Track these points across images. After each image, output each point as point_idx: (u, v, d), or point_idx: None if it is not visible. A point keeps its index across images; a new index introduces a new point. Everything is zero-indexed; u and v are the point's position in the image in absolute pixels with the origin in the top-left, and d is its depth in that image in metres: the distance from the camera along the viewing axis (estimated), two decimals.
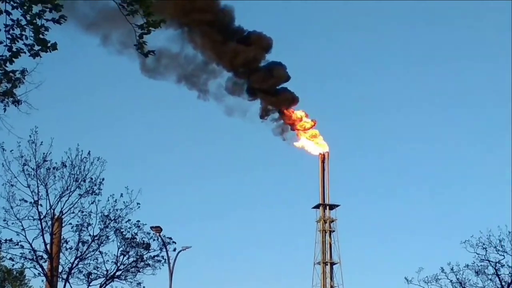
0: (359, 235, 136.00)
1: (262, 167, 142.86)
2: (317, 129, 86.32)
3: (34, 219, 25.72)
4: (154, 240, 28.36)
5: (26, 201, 25.70)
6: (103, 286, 26.64)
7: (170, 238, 30.02)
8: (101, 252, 26.74)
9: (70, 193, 26.12)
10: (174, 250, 32.81)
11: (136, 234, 27.20)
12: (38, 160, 25.82)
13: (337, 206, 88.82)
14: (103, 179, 26.52)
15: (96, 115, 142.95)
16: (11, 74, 12.46)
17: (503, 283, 30.85)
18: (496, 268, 30.99)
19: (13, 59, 12.11)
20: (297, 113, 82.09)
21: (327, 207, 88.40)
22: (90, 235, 26.52)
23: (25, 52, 11.93)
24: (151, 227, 28.74)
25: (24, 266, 27.44)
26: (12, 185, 25.71)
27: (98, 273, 26.66)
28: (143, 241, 27.47)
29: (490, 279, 31.11)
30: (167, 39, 62.89)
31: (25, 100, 12.82)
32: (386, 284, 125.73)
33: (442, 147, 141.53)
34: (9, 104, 12.75)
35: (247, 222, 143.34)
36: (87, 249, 26.42)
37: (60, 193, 26.03)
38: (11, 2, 11.76)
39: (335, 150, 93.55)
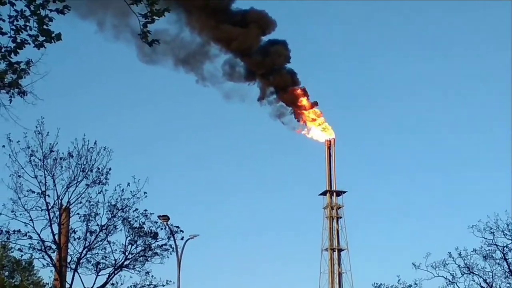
0: (366, 221, 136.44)
1: (268, 154, 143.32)
2: (323, 116, 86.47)
3: (42, 210, 25.80)
4: (161, 229, 28.41)
5: (33, 192, 25.76)
6: (112, 275, 26.71)
7: (178, 227, 30.09)
8: (109, 242, 26.82)
9: (77, 183, 26.16)
10: (182, 238, 32.86)
11: (143, 223, 27.25)
12: (45, 151, 25.85)
13: (344, 192, 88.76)
14: (110, 169, 26.56)
15: (101, 105, 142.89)
16: (16, 65, 12.44)
17: (511, 267, 30.81)
18: (504, 252, 30.96)
19: (18, 50, 12.09)
20: (298, 94, 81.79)
21: (334, 194, 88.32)
22: (98, 225, 26.59)
23: (29, 43, 11.91)
24: (159, 216, 28.77)
25: (33, 257, 27.52)
26: (19, 176, 25.77)
27: (107, 262, 26.74)
28: (151, 230, 27.51)
29: (498, 264, 31.09)
30: (164, 22, 62.65)
31: (30, 91, 12.81)
32: (394, 270, 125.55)
33: (449, 133, 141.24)
34: (14, 95, 12.75)
35: (254, 209, 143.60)
36: (95, 239, 26.48)
37: (67, 183, 26.08)
38: None
39: (341, 137, 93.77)
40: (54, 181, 25.92)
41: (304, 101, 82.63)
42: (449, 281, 31.37)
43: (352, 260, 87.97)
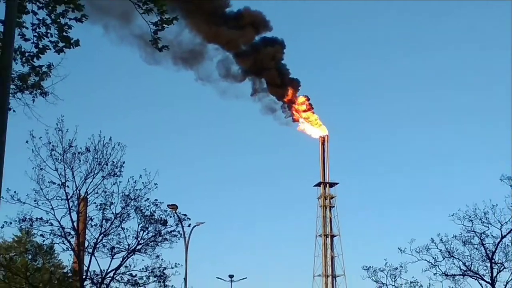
0: (356, 210, 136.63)
1: (267, 148, 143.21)
2: (317, 114, 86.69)
3: (61, 199, 25.83)
4: (170, 216, 28.45)
5: (54, 183, 25.79)
6: (125, 259, 26.76)
7: (185, 215, 30.16)
8: (123, 228, 26.85)
9: (94, 175, 26.20)
10: (189, 225, 33.05)
11: (154, 211, 27.28)
12: (64, 146, 25.88)
13: (336, 184, 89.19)
14: (123, 162, 26.58)
15: (115, 104, 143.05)
16: (38, 68, 12.49)
17: (488, 252, 30.83)
18: (481, 238, 30.94)
19: (40, 55, 12.14)
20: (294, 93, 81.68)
21: (327, 185, 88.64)
22: (112, 213, 26.62)
23: (50, 49, 11.96)
24: (168, 205, 28.86)
25: (54, 242, 27.56)
26: (41, 169, 25.79)
27: (121, 247, 26.77)
28: (161, 218, 27.55)
29: (476, 248, 31.09)
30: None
31: (51, 92, 12.86)
32: (381, 254, 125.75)
33: (432, 128, 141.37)
34: (37, 95, 12.79)
35: (254, 199, 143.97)
36: (110, 225, 26.52)
37: (85, 175, 26.11)
38: (37, 3, 11.74)
39: (334, 133, 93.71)
40: (73, 174, 25.97)
41: (300, 99, 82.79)
42: (432, 264, 31.38)
43: (344, 245, 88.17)
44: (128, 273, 26.93)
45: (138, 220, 27.07)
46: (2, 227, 26.79)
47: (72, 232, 26.19)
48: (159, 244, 27.48)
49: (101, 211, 26.61)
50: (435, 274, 31.17)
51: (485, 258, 30.82)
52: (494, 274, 30.29)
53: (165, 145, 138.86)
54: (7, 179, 12.09)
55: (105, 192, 26.49)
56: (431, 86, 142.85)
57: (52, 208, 25.76)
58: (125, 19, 53.06)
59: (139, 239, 26.94)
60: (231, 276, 56.12)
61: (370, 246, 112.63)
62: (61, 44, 11.88)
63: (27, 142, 25.53)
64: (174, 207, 29.57)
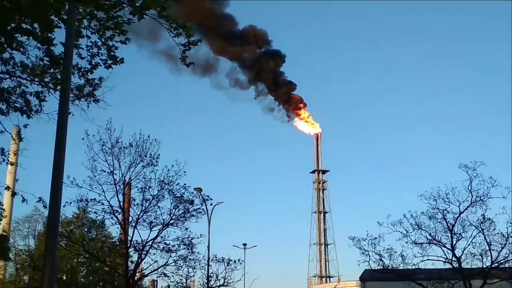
0: (344, 192, 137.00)
1: (271, 144, 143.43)
2: (311, 113, 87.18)
3: (110, 184, 25.92)
4: (196, 197, 28.47)
5: (104, 171, 25.89)
6: (161, 231, 26.86)
7: (208, 196, 30.20)
8: (158, 207, 26.91)
9: (136, 165, 26.26)
10: (211, 204, 33.16)
11: (183, 193, 27.29)
12: (112, 142, 25.95)
13: (328, 171, 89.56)
14: (159, 155, 26.62)
15: (151, 108, 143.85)
16: (91, 81, 12.55)
17: (449, 225, 30.71)
18: (444, 214, 30.81)
19: (93, 70, 12.19)
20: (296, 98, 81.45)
21: (320, 172, 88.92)
22: (150, 195, 26.67)
23: (101, 65, 11.99)
24: (194, 188, 28.89)
25: (104, 218, 27.71)
26: (94, 160, 25.89)
27: (157, 221, 26.83)
28: (189, 198, 27.57)
29: (439, 222, 30.94)
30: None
31: (102, 99, 12.90)
32: (363, 227, 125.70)
33: (404, 130, 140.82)
34: (91, 102, 12.84)
35: (262, 184, 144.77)
36: (148, 205, 26.58)
37: (129, 165, 26.18)
38: (90, 29, 11.80)
39: (326, 131, 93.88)
40: (119, 164, 26.05)
41: (297, 100, 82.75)
42: (404, 234, 31.26)
43: (333, 220, 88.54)
44: (163, 242, 27.03)
45: (171, 200, 27.14)
46: (64, 206, 26.91)
47: (119, 210, 26.32)
48: (187, 219, 27.55)
49: (142, 193, 26.70)
50: (406, 242, 31.07)
51: (447, 230, 30.67)
52: (454, 243, 30.18)
53: (192, 140, 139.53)
54: (68, 168, 12.21)
55: (145, 178, 26.58)
56: (403, 95, 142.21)
57: (103, 191, 25.91)
58: (153, 38, 53.06)
59: (171, 215, 27.01)
60: (244, 245, 56.14)
61: (355, 221, 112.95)
62: (109, 62, 11.92)
63: (83, 139, 25.69)
64: (199, 190, 29.61)
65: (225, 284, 27.59)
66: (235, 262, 29.05)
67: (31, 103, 12.15)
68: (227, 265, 28.64)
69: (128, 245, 26.07)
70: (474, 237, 29.93)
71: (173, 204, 27.09)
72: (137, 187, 26.80)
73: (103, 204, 26.05)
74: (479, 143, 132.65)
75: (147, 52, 64.37)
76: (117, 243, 30.59)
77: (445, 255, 30.09)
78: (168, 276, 26.58)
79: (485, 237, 29.62)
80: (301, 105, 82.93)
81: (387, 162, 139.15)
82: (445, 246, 30.43)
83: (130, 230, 26.45)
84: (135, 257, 26.75)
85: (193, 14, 54.30)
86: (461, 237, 30.45)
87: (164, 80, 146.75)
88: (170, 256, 26.94)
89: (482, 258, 29.15)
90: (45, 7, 9.79)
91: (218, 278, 28.50)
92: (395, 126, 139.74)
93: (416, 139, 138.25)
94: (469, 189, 30.19)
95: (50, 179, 11.07)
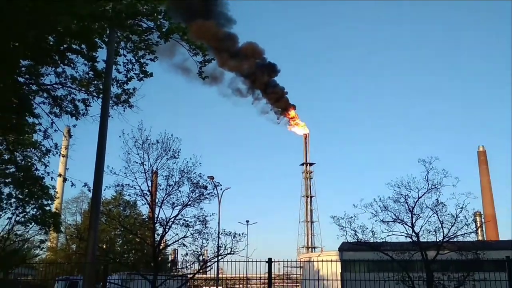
0: (326, 180, 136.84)
1: (268, 142, 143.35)
2: (300, 115, 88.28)
3: (141, 173, 25.70)
4: (209, 184, 28.41)
5: (136, 162, 25.68)
6: (181, 210, 26.77)
7: (218, 182, 30.00)
8: (179, 191, 26.75)
9: (161, 158, 26.17)
10: (221, 189, 33.14)
11: (199, 181, 27.14)
12: (143, 139, 25.87)
13: (314, 164, 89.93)
14: (180, 150, 26.55)
15: (171, 111, 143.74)
16: (127, 90, 12.58)
17: (409, 207, 30.64)
18: (406, 198, 30.64)
19: (128, 82, 12.23)
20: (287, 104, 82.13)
21: (308, 164, 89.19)
22: (173, 181, 26.58)
23: (134, 78, 12.03)
24: (208, 176, 28.78)
25: (136, 199, 27.54)
26: (128, 154, 25.73)
27: (178, 202, 26.72)
28: (203, 184, 27.49)
29: (402, 205, 30.83)
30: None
31: (135, 105, 12.96)
32: (342, 208, 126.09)
33: (374, 130, 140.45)
34: (126, 107, 12.91)
35: (261, 174, 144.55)
36: (171, 189, 26.50)
37: (156, 158, 26.11)
38: (126, 49, 11.83)
39: (313, 131, 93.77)
40: (148, 156, 25.79)
41: (290, 109, 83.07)
42: (374, 214, 31.13)
43: (318, 203, 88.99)
44: (182, 219, 26.98)
45: (189, 186, 27.06)
46: (104, 190, 26.35)
47: (148, 193, 26.25)
48: (202, 201, 27.26)
49: (166, 180, 26.53)
50: (376, 221, 30.93)
51: (408, 211, 30.52)
52: (413, 221, 30.11)
53: (204, 138, 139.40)
54: (108, 160, 12.24)
55: (168, 168, 26.45)
56: (383, 96, 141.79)
57: (135, 178, 25.62)
58: (170, 54, 53.19)
59: (189, 198, 26.85)
60: (247, 221, 56.26)
61: (335, 203, 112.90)
62: (141, 75, 11.96)
63: (119, 137, 25.51)
64: (211, 177, 29.37)
65: (232, 252, 27.58)
66: (239, 235, 29.03)
67: (79, 108, 12.22)
68: (233, 237, 28.64)
69: (155, 221, 26.06)
70: (430, 217, 29.73)
71: (190, 189, 26.90)
72: (162, 175, 26.62)
73: (135, 188, 25.77)
74: (434, 141, 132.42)
75: (167, 65, 64.56)
76: (146, 219, 30.56)
77: (406, 231, 29.91)
78: (186, 246, 26.47)
79: (438, 217, 29.46)
80: (291, 108, 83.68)
81: (361, 157, 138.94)
82: (406, 224, 30.26)
83: (157, 209, 26.41)
84: (160, 231, 26.59)
85: (202, 35, 54.66)
86: (419, 217, 30.27)
87: (179, 88, 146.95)
88: (188, 230, 26.75)
89: (436, 234, 29.08)
90: (90, 32, 9.82)
91: (226, 248, 28.62)
92: (368, 126, 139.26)
93: (383, 138, 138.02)
94: (426, 179, 30.02)
95: (94, 168, 11.08)
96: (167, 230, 25.78)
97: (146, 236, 30.96)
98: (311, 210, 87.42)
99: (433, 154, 31.67)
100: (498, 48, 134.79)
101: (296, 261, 48.91)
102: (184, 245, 28.78)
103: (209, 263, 18.03)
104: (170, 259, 52.77)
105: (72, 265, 36.47)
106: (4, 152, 13.38)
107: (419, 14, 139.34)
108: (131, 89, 12.53)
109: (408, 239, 23.05)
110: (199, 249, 24.51)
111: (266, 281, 13.11)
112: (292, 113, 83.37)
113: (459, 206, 19.46)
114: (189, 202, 29.58)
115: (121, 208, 32.24)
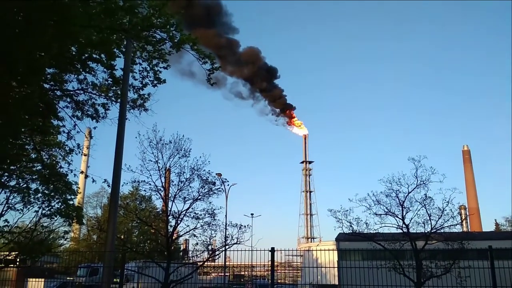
0: (324, 177, 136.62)
1: (270, 141, 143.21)
2: (298, 116, 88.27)
3: (155, 170, 25.81)
4: (217, 180, 28.45)
5: (151, 161, 25.75)
6: (192, 204, 26.82)
7: (226, 179, 30.07)
8: (190, 187, 26.82)
9: (174, 156, 26.22)
10: (228, 185, 33.23)
11: (208, 177, 27.23)
12: (157, 140, 25.93)
13: (312, 161, 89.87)
14: (190, 149, 26.60)
15: (181, 114, 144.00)
16: (142, 95, 12.64)
17: (400, 201, 30.59)
18: (397, 193, 30.58)
19: (143, 87, 12.29)
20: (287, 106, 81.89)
21: (307, 162, 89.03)
22: (184, 178, 26.63)
23: (149, 84, 12.10)
24: (216, 173, 28.87)
25: (151, 194, 27.60)
26: (144, 153, 25.80)
27: (189, 197, 26.74)
28: (212, 180, 27.52)
29: (393, 199, 30.75)
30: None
31: (150, 109, 13.02)
32: (338, 202, 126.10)
33: (368, 130, 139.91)
34: (142, 111, 12.97)
35: (264, 170, 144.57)
36: (183, 185, 26.56)
37: (169, 156, 26.16)
38: (141, 58, 11.89)
39: (312, 132, 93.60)
40: (162, 155, 25.78)
41: (289, 110, 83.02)
42: (367, 208, 31.10)
43: (317, 197, 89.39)
44: (193, 212, 27.03)
45: (199, 182, 27.12)
46: (122, 186, 26.68)
47: (162, 189, 26.31)
48: (210, 195, 27.38)
49: (178, 176, 26.56)
50: (369, 214, 30.93)
51: (399, 205, 30.48)
52: (404, 214, 30.07)
53: (211, 139, 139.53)
54: (125, 158, 12.34)
55: (180, 166, 26.56)
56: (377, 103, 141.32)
57: (150, 175, 25.63)
58: (177, 59, 53.32)
59: (199, 193, 26.94)
60: (252, 214, 56.28)
61: (332, 197, 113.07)
62: (155, 82, 12.03)
63: (136, 137, 25.54)
64: (219, 174, 29.38)
65: (238, 242, 27.66)
66: (245, 227, 29.08)
67: (99, 111, 12.29)
68: (239, 229, 28.73)
69: (168, 214, 26.14)
70: (419, 210, 29.65)
71: (200, 185, 26.96)
72: (174, 172, 26.61)
73: (150, 184, 25.91)
74: (423, 141, 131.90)
75: (175, 70, 64.91)
76: (160, 212, 30.63)
77: (397, 223, 29.87)
78: (196, 237, 26.57)
79: (426, 210, 29.36)
80: (291, 109, 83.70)
81: (356, 155, 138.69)
82: (397, 217, 30.16)
83: (170, 203, 26.48)
84: (173, 223, 26.60)
85: (206, 42, 54.87)
86: (409, 210, 30.22)
87: (187, 91, 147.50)
88: (198, 222, 26.82)
89: (424, 225, 29.05)
90: (109, 43, 9.90)
91: (233, 238, 28.69)
92: (364, 127, 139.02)
93: (378, 138, 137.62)
94: (415, 175, 30.02)
95: (112, 166, 11.14)
96: (179, 222, 25.82)
97: (160, 228, 30.94)
98: (310, 204, 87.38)
99: (422, 153, 31.53)
100: (499, 48, 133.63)
101: (296, 250, 48.96)
102: (194, 235, 28.69)
103: (217, 252, 18.07)
104: (182, 248, 52.87)
105: (93, 253, 36.66)
106: (31, 151, 13.51)
107: (406, 16, 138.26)
108: (146, 95, 12.59)
109: (399, 230, 23.05)
110: (208, 239, 24.59)
111: (269, 268, 13.17)
112: (291, 114, 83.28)
113: (445, 200, 19.42)
114: (199, 197, 29.55)
115: (138, 202, 32.35)
